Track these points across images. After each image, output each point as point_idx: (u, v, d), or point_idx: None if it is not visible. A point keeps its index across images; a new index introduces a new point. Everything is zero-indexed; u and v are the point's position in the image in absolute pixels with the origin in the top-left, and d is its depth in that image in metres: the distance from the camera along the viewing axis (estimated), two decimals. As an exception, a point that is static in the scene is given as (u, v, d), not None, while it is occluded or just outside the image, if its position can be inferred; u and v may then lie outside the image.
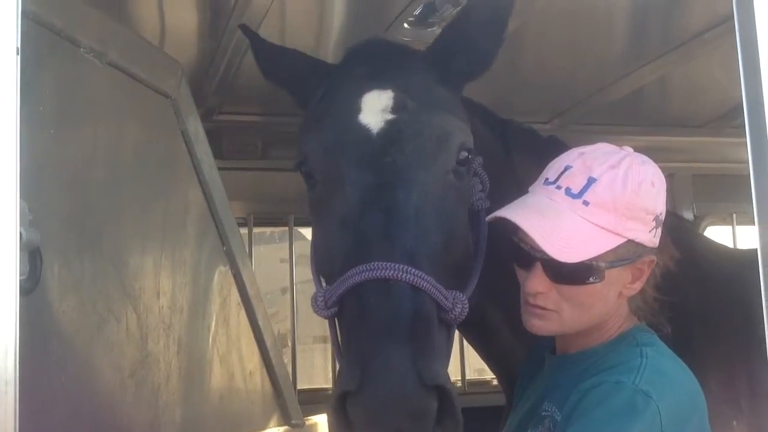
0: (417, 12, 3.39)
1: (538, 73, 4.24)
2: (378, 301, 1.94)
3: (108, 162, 2.41)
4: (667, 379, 1.99)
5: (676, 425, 1.93)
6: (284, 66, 2.66)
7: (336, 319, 2.13)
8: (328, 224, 2.19)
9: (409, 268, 1.97)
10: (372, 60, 2.41)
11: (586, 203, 2.00)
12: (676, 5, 3.45)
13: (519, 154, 2.72)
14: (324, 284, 2.21)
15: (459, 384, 5.57)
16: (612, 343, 2.12)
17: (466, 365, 5.60)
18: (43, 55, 2.15)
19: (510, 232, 2.12)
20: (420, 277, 1.98)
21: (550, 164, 2.13)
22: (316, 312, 2.12)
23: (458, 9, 3.29)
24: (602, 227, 1.99)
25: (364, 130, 2.20)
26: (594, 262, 1.99)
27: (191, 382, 2.71)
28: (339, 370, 2.02)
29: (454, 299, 2.06)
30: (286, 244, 5.34)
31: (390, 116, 2.21)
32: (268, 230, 8.38)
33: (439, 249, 2.13)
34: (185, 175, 2.80)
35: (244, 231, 4.90)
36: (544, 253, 1.98)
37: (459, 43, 2.46)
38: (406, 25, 3.44)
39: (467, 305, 2.08)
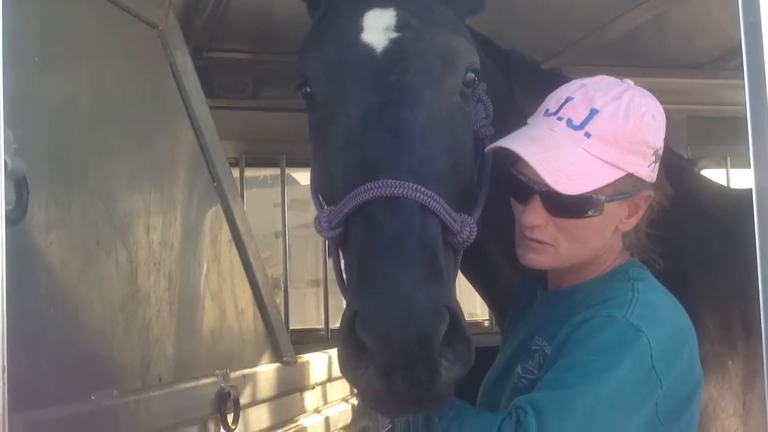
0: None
1: (534, 12, 4.18)
2: (386, 219, 1.89)
3: (94, 93, 2.37)
4: (658, 314, 1.99)
5: (666, 358, 1.93)
6: None
7: (339, 240, 2.06)
8: (330, 145, 2.13)
9: (418, 187, 1.92)
10: None
11: (587, 135, 1.97)
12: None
13: (521, 85, 2.66)
14: (326, 207, 2.13)
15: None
16: (604, 278, 2.11)
17: (458, 307, 5.62)
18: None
19: (508, 163, 2.09)
20: (429, 196, 1.92)
21: (551, 95, 2.09)
22: (319, 233, 2.07)
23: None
24: (603, 160, 1.97)
25: (367, 50, 2.14)
26: (593, 195, 1.98)
27: (182, 317, 2.71)
28: (348, 291, 1.98)
29: (462, 222, 2.01)
30: (279, 189, 5.32)
31: (394, 35, 2.15)
32: (260, 174, 8.36)
33: (447, 171, 2.08)
34: (174, 108, 2.75)
35: (235, 171, 4.88)
36: (544, 185, 1.96)
37: None
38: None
39: (475, 229, 2.03)
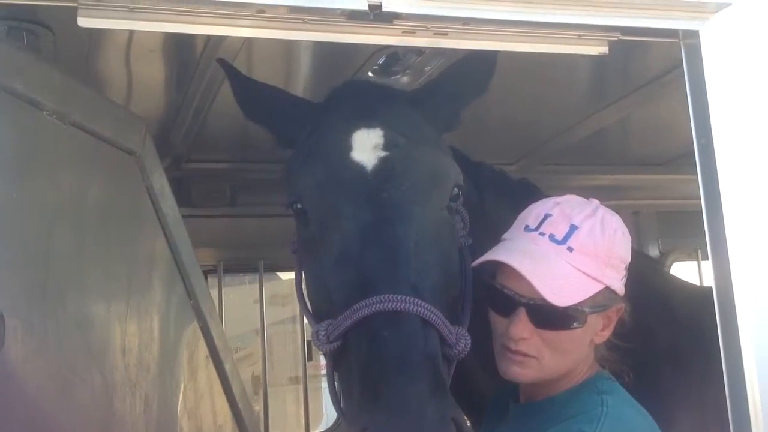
0: (381, 61, 3.45)
1: (503, 120, 4.31)
2: (390, 333, 1.94)
3: (72, 222, 2.41)
4: (628, 427, 2.03)
5: (637, 474, 1.96)
6: (264, 102, 2.64)
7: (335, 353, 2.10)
8: (325, 260, 2.19)
9: (419, 301, 1.98)
10: (358, 98, 2.45)
11: (570, 249, 2.05)
12: (634, 51, 3.54)
13: (491, 195, 2.75)
14: (323, 321, 2.15)
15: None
16: (574, 391, 2.15)
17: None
18: (4, 120, 2.16)
19: (488, 276, 2.15)
20: (429, 309, 1.99)
21: (527, 211, 2.18)
22: (317, 346, 2.10)
23: (420, 57, 3.36)
24: (585, 273, 2.04)
25: (358, 168, 2.22)
26: (579, 307, 2.04)
27: (160, 438, 2.70)
28: (348, 406, 2.00)
29: (458, 334, 2.07)
30: (257, 285, 5.33)
31: (382, 153, 2.24)
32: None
33: (440, 284, 2.15)
34: (151, 230, 2.80)
35: (214, 278, 4.91)
36: (531, 298, 2.02)
37: (444, 92, 2.53)
38: (370, 73, 3.49)
39: (470, 341, 2.09)
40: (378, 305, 1.96)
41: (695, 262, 5.59)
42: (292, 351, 7.87)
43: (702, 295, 3.49)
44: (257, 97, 2.66)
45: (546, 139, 4.66)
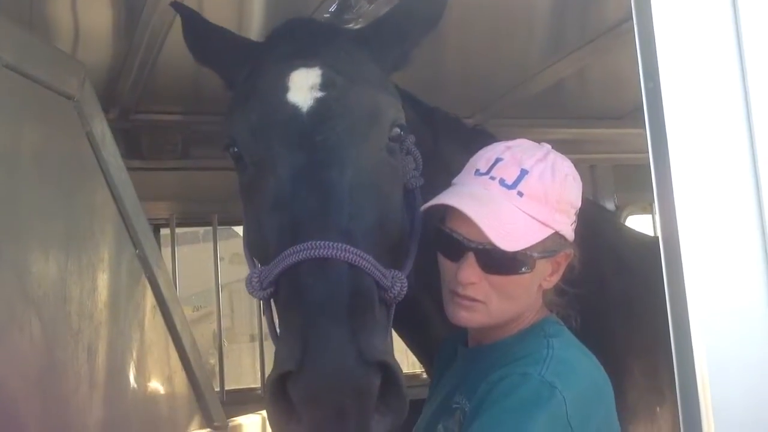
0: (332, 9, 3.38)
1: (460, 68, 4.28)
2: (316, 280, 1.92)
3: (6, 166, 2.34)
4: (573, 370, 2.03)
5: (582, 415, 1.96)
6: (213, 44, 2.57)
7: (272, 300, 2.10)
8: (260, 206, 2.16)
9: (347, 247, 1.95)
10: (298, 37, 2.38)
11: (520, 194, 2.02)
12: (590, 0, 3.52)
13: (446, 140, 2.72)
14: (258, 266, 2.15)
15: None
16: (521, 335, 2.14)
17: (400, 359, 5.62)
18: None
19: (437, 220, 2.12)
20: (358, 255, 1.96)
21: (477, 156, 2.15)
22: (250, 293, 2.08)
23: (373, 5, 3.30)
24: (535, 218, 2.02)
25: (293, 109, 2.17)
26: (527, 252, 2.02)
27: (105, 389, 2.66)
28: (276, 351, 1.97)
29: (393, 278, 2.05)
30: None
31: (319, 94, 2.18)
32: (199, 229, 8.30)
33: (376, 227, 2.11)
34: (91, 177, 2.73)
35: (166, 231, 4.85)
36: (480, 243, 2.00)
37: (392, 29, 2.46)
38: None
39: (406, 284, 2.07)
40: (304, 252, 1.94)
41: (650, 216, 5.64)
42: (253, 309, 7.87)
43: (654, 244, 3.52)
44: (207, 39, 2.59)
45: (502, 92, 4.64)
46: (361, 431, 1.79)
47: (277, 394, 1.82)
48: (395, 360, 1.90)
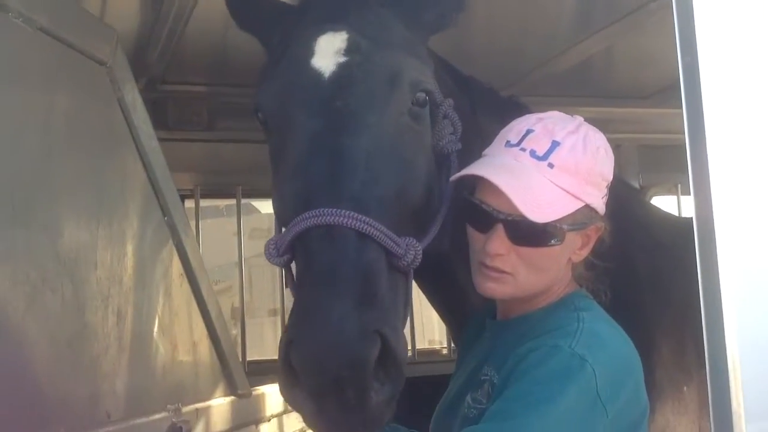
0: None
1: (487, 46, 4.24)
2: (321, 248, 1.92)
3: (39, 131, 2.35)
4: (603, 343, 2.02)
5: (611, 388, 1.96)
6: (253, 9, 2.57)
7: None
8: (282, 172, 2.16)
9: (353, 214, 1.94)
10: (330, 1, 2.35)
11: (551, 165, 2.01)
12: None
13: (482, 109, 2.70)
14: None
15: (410, 353, 5.61)
16: (551, 308, 2.14)
17: (417, 335, 5.64)
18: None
19: (467, 191, 2.11)
20: (366, 222, 1.94)
21: (508, 127, 2.14)
22: (268, 259, 2.09)
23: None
24: (565, 190, 2.01)
25: (315, 75, 2.16)
26: (557, 224, 2.02)
27: (132, 353, 2.68)
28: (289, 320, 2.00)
29: (407, 246, 2.03)
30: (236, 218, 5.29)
31: (342, 59, 2.17)
32: (219, 204, 8.33)
33: (393, 194, 2.09)
34: (123, 144, 2.74)
35: (190, 203, 4.86)
36: (509, 214, 2.00)
37: None
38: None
39: (420, 252, 2.05)
40: (311, 220, 1.94)
41: (675, 197, 5.60)
42: (273, 284, 7.89)
43: (682, 224, 3.51)
44: (248, 4, 2.58)
45: (530, 68, 4.60)
46: (360, 400, 1.80)
47: (285, 360, 1.84)
48: (395, 329, 1.90)
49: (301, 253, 1.98)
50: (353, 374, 1.78)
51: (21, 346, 2.20)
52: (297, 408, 1.89)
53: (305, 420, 1.92)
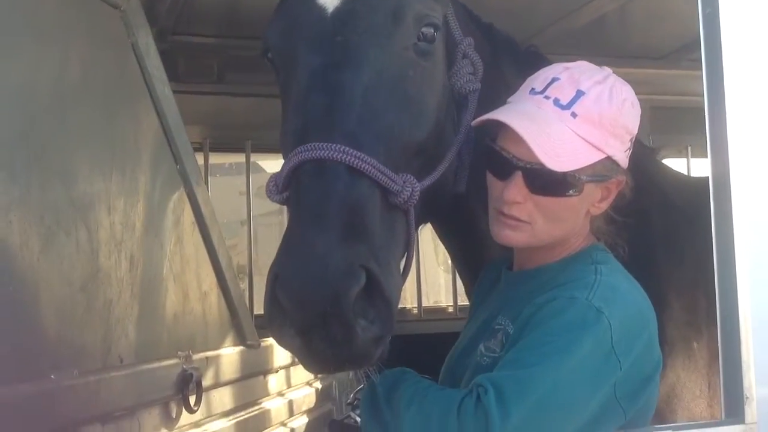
0: None
1: (500, 3, 4.18)
2: (310, 182, 1.89)
3: (55, 74, 2.33)
4: (619, 296, 2.02)
5: (626, 340, 1.96)
6: None
7: None
8: (285, 108, 2.14)
9: (345, 148, 1.90)
10: None
11: (574, 115, 1.99)
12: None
13: (503, 55, 2.65)
14: None
15: (416, 311, 5.63)
16: (569, 260, 2.13)
17: (423, 293, 5.66)
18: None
19: (489, 138, 2.09)
20: (358, 157, 1.90)
21: (535, 75, 2.11)
22: (269, 197, 2.06)
23: None
24: (587, 140, 2.00)
25: (319, 10, 2.12)
26: (576, 174, 2.00)
27: (144, 299, 2.69)
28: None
29: (404, 182, 1.98)
30: (244, 177, 5.29)
31: None
32: (226, 161, 8.30)
33: (392, 130, 2.04)
34: (136, 90, 2.72)
35: (200, 156, 4.84)
36: (528, 162, 1.98)
37: None
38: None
39: (417, 189, 2.00)
40: (303, 154, 1.90)
41: (684, 160, 5.58)
42: (278, 242, 7.89)
43: (694, 184, 3.49)
44: None
45: (543, 25, 4.56)
46: (346, 336, 1.77)
47: (272, 294, 1.81)
48: (385, 265, 1.87)
49: (293, 189, 1.95)
50: (338, 309, 1.74)
51: (36, 288, 2.21)
52: (283, 344, 1.86)
53: (295, 356, 1.91)
